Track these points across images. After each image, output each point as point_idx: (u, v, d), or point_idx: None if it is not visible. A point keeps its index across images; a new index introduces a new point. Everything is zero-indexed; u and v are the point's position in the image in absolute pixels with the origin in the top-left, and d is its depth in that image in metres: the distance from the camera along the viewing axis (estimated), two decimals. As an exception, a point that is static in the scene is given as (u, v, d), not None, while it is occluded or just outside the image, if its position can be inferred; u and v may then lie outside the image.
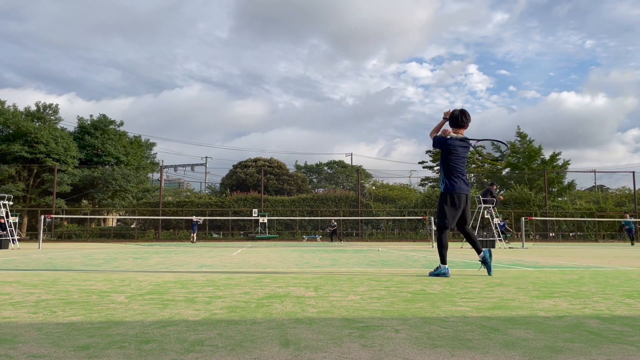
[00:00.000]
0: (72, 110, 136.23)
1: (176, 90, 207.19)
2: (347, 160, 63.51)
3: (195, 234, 25.93)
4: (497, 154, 47.06)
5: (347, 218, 31.21)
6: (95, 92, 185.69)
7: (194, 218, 25.42)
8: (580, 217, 31.93)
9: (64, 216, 32.36)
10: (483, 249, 4.85)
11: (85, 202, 41.66)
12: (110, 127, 42.06)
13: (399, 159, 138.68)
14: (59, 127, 38.93)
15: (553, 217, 32.77)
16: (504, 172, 47.02)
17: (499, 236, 15.97)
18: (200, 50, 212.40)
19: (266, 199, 33.89)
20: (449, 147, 4.96)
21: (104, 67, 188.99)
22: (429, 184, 52.17)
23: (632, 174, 34.02)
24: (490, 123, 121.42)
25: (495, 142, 5.45)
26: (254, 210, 30.93)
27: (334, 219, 26.85)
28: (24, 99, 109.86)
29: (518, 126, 50.59)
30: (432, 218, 19.03)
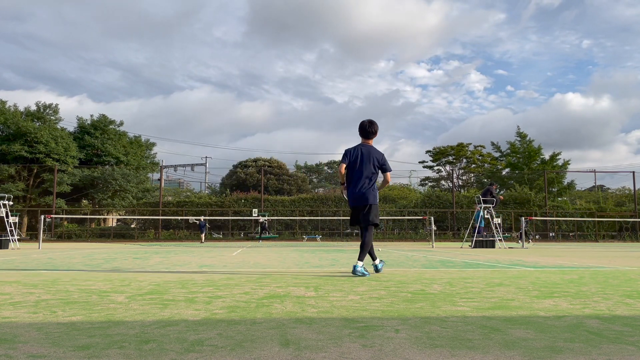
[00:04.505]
0: (82, 112, 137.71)
1: (186, 92, 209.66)
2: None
3: (203, 235, 25.94)
4: (497, 154, 47.24)
5: (347, 218, 31.18)
6: (105, 95, 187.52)
7: (202, 218, 25.48)
8: (580, 217, 31.91)
9: (64, 216, 32.34)
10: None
11: (85, 202, 41.64)
12: (110, 127, 42.04)
13: (402, 160, 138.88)
14: (59, 127, 38.92)
15: (553, 217, 32.76)
16: (504, 172, 47.04)
17: (499, 236, 15.96)
18: (209, 53, 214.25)
19: (266, 199, 33.88)
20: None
21: (115, 70, 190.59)
22: (429, 183, 52.21)
23: (632, 174, 33.98)
24: (494, 124, 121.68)
25: None
26: (254, 210, 30.92)
27: (263, 218, 26.45)
28: (35, 101, 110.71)
29: (518, 126, 50.63)
30: (432, 218, 19.03)
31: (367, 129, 5.14)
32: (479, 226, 17.33)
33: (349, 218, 25.59)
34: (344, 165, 5.10)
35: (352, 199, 5.07)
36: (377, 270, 5.15)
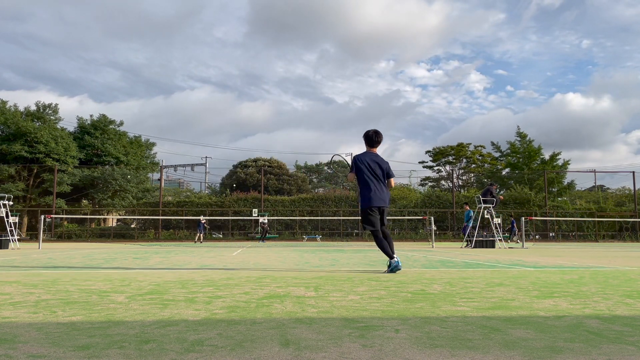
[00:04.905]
0: (83, 112, 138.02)
1: (186, 93, 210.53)
2: (348, 160, 63.55)
3: (202, 235, 25.90)
4: (497, 154, 47.26)
5: (347, 218, 31.20)
6: (105, 95, 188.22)
7: (202, 218, 25.49)
8: (580, 217, 31.90)
9: (64, 216, 32.34)
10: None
11: (85, 202, 41.64)
12: (110, 127, 42.03)
13: (402, 160, 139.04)
14: (58, 127, 38.91)
15: (553, 217, 32.75)
16: (504, 172, 47.03)
17: (499, 236, 15.96)
18: (210, 54, 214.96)
19: (266, 199, 33.88)
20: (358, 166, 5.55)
21: (114, 70, 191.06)
22: (429, 184, 52.20)
23: (632, 174, 33.98)
24: (494, 124, 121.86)
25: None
26: (254, 210, 30.91)
27: (263, 219, 26.31)
28: (36, 101, 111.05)
29: (518, 126, 50.64)
30: (432, 218, 19.04)
31: (374, 139, 5.59)
32: (466, 225, 17.24)
33: (349, 218, 25.43)
34: (353, 175, 5.57)
35: (374, 200, 5.43)
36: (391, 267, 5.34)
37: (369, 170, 5.47)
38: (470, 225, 17.23)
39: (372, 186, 5.44)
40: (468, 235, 16.90)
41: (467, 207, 17.68)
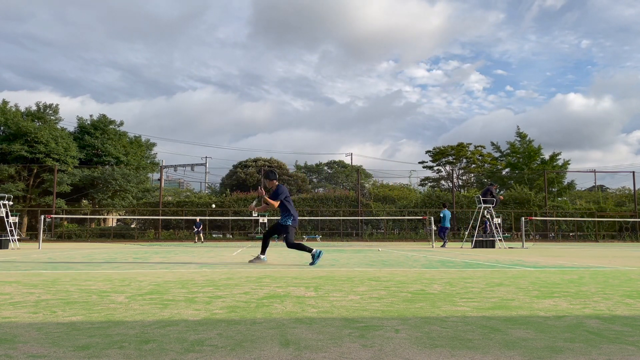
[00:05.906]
0: (85, 112, 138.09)
1: (189, 93, 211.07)
2: (347, 160, 63.59)
3: (201, 235, 25.99)
4: (497, 154, 47.26)
5: (347, 218, 31.20)
6: (107, 95, 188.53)
7: (198, 219, 25.56)
8: (580, 217, 31.90)
9: (64, 216, 32.32)
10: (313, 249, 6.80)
11: (85, 202, 41.64)
12: (110, 127, 42.03)
13: (403, 160, 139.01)
14: (59, 127, 38.91)
15: (553, 217, 32.75)
16: (504, 172, 47.04)
17: (499, 236, 15.95)
18: (213, 55, 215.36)
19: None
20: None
21: (117, 70, 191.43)
22: (429, 184, 52.21)
23: (632, 174, 33.97)
24: (495, 124, 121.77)
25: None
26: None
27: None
28: (38, 101, 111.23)
29: (518, 126, 50.66)
30: (432, 218, 19.04)
31: (271, 176, 7.24)
32: (441, 226, 17.14)
33: (349, 218, 25.55)
34: (273, 203, 7.04)
35: (297, 220, 7.13)
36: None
37: (290, 198, 7.18)
38: (448, 226, 17.21)
39: (294, 209, 7.10)
40: (469, 235, 16.78)
41: (444, 208, 17.58)
